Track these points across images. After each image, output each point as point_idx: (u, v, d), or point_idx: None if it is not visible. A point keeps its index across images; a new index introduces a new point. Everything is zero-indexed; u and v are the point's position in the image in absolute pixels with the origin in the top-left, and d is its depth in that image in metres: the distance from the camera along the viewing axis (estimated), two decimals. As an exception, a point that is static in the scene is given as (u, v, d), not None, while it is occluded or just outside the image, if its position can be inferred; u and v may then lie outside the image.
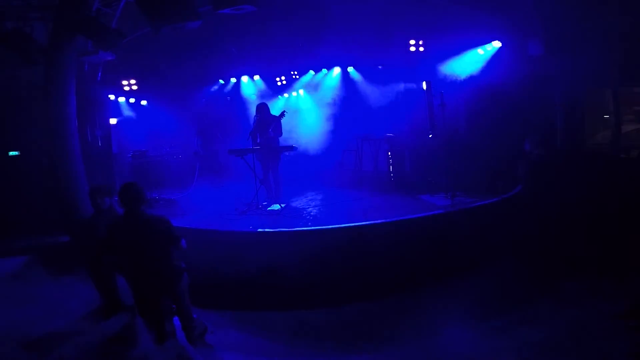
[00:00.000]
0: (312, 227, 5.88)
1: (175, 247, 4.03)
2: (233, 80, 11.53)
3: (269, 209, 7.35)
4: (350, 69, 10.55)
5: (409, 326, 4.61)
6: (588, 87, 7.71)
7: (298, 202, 7.96)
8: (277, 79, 11.51)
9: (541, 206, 6.68)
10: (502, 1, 7.56)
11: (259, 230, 5.79)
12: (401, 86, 10.27)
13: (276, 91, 11.77)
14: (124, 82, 10.24)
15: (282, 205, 7.37)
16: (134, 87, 10.45)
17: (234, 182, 10.09)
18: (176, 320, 4.31)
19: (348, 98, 10.96)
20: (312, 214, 6.99)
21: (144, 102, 11.24)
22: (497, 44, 8.27)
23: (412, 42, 8.79)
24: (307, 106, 11.60)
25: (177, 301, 4.14)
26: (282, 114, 7.50)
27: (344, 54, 9.97)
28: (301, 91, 11.69)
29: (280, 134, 7.61)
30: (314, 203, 7.86)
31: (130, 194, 3.93)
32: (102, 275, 4.86)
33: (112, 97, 10.21)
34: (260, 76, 11.36)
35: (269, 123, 7.55)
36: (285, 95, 11.97)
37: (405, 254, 5.40)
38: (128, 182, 4.09)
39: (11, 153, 8.54)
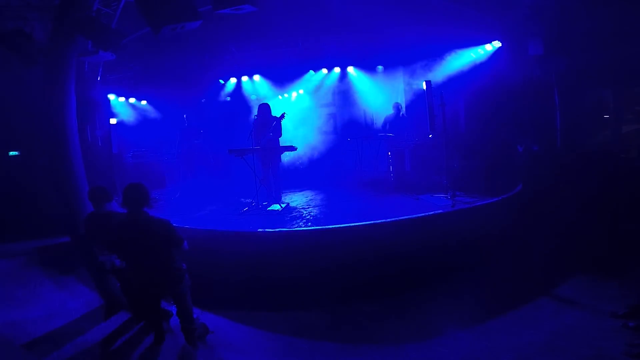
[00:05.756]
0: (312, 227, 5.88)
1: (178, 249, 4.05)
2: (233, 80, 11.54)
3: (269, 209, 7.36)
4: (350, 69, 10.55)
5: (409, 326, 4.62)
6: (588, 87, 7.71)
7: (298, 202, 7.96)
8: (277, 78, 11.52)
9: (541, 206, 6.69)
10: (502, 1, 7.56)
11: (259, 230, 5.80)
12: (401, 86, 10.30)
13: (276, 91, 11.77)
14: (124, 82, 10.24)
15: (282, 205, 7.37)
16: (134, 87, 10.46)
17: (234, 182, 10.10)
18: (176, 320, 4.31)
19: (348, 98, 10.96)
20: (312, 214, 6.99)
21: (144, 102, 11.25)
22: (497, 44, 8.28)
23: (411, 41, 8.79)
24: (307, 106, 11.61)
25: (177, 302, 4.15)
26: (282, 116, 7.52)
27: (344, 54, 9.97)
28: (301, 91, 11.69)
29: (280, 134, 7.63)
30: (314, 203, 7.86)
31: (134, 195, 3.94)
32: (102, 275, 4.87)
33: (112, 97, 10.22)
34: (260, 76, 11.36)
35: (270, 123, 7.55)
36: (285, 95, 11.98)
37: (404, 254, 5.40)
38: (134, 182, 4.06)
39: (11, 153, 8.54)
